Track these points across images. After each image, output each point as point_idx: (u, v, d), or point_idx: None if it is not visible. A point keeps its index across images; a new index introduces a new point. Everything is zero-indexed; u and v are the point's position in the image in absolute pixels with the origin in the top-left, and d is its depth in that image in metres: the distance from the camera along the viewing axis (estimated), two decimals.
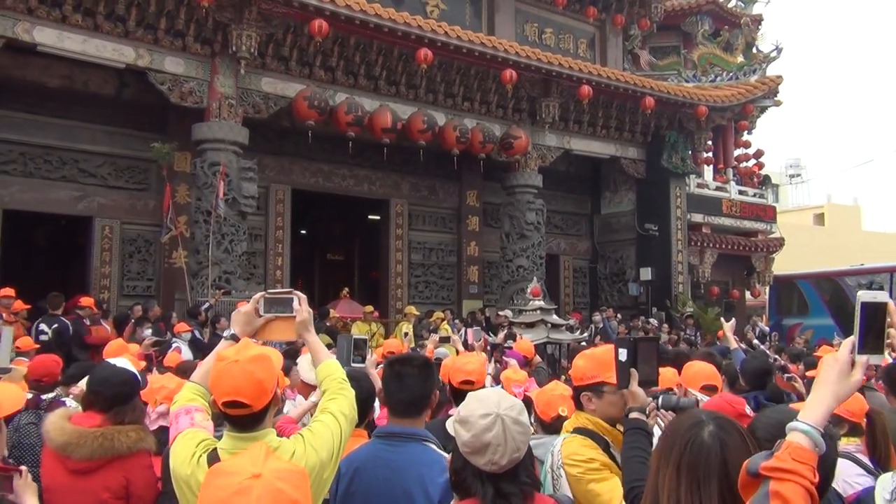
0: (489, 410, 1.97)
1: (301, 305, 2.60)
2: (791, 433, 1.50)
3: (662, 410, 2.51)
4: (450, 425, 2.16)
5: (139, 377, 3.11)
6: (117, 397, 2.92)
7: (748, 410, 3.37)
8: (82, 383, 3.63)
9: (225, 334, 2.54)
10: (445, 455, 2.53)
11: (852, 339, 1.58)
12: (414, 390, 2.71)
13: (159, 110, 12.89)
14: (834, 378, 1.57)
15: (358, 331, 12.87)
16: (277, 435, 2.27)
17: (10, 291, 9.50)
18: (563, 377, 6.63)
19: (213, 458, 2.12)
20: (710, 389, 4.10)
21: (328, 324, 11.54)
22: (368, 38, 13.11)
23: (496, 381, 6.02)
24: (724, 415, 1.71)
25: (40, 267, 14.85)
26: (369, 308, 13.92)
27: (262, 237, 14.70)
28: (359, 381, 2.95)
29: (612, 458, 2.61)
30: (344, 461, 2.65)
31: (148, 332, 9.16)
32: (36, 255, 15.11)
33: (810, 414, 1.53)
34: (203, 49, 12.05)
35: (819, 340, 15.49)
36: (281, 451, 2.17)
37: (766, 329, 18.38)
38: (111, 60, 11.42)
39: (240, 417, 2.13)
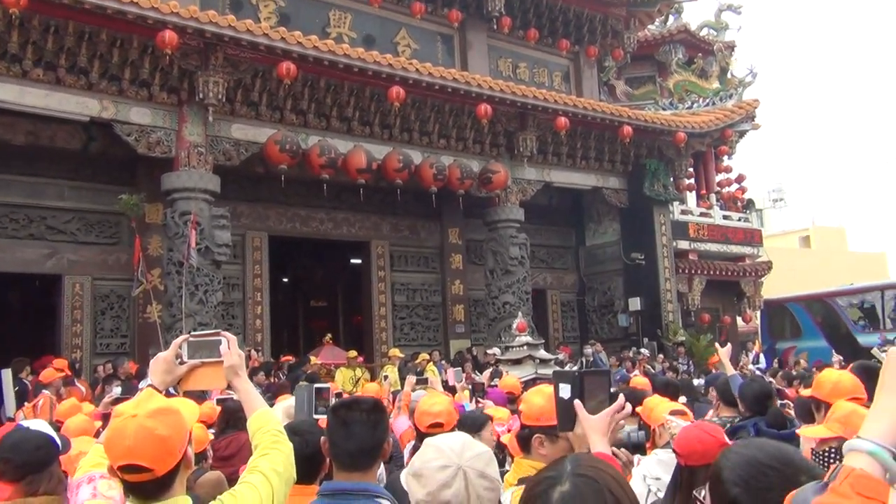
0: (448, 462, 1.64)
1: (230, 348, 2.27)
2: (850, 455, 1.08)
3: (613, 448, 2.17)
4: (403, 478, 1.85)
5: (57, 441, 2.76)
6: (30, 465, 2.56)
7: (727, 439, 3.05)
8: None
9: (141, 385, 2.21)
10: None
11: None
12: (362, 439, 2.36)
13: (127, 162, 12.64)
14: None
15: (342, 377, 12.49)
16: None
17: None
18: None
19: None
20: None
21: (308, 371, 11.13)
22: (339, 79, 12.94)
23: None
24: (602, 467, 1.29)
25: (15, 329, 14.39)
26: (353, 353, 13.53)
27: (240, 286, 14.34)
28: (302, 436, 2.61)
29: None
30: None
31: (117, 390, 8.73)
32: (11, 317, 14.65)
33: (876, 428, 1.11)
34: (169, 98, 11.82)
35: (815, 362, 15.20)
36: None
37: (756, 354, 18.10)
38: (75, 114, 11.16)
39: (140, 484, 1.78)
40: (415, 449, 4.49)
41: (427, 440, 1.87)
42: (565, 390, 2.08)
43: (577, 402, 2.01)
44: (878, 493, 1.03)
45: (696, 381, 11.20)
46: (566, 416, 2.06)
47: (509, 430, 4.63)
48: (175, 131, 11.82)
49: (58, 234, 12.49)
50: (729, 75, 21.79)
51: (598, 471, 1.27)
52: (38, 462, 2.60)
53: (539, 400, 2.43)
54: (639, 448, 2.76)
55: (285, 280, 19.27)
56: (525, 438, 2.47)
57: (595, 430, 1.95)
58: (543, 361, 11.19)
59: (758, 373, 12.23)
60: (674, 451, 2.79)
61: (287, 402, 4.99)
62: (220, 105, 11.89)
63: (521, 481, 2.36)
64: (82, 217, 12.71)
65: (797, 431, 3.80)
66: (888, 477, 1.05)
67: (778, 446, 1.55)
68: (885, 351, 11.70)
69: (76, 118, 11.32)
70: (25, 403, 8.48)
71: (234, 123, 12.48)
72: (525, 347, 11.27)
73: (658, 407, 4.51)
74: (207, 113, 11.84)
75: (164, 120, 11.78)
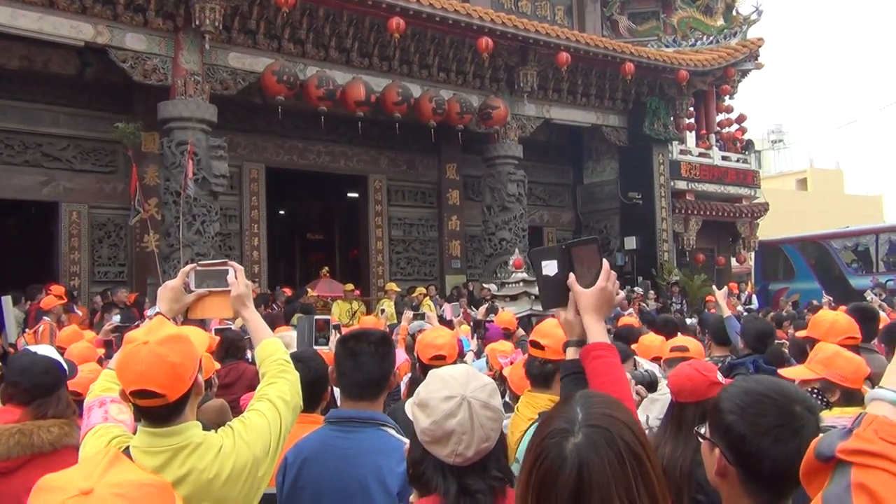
0: (453, 392, 1.65)
1: (237, 278, 2.28)
2: (873, 404, 1.10)
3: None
4: (408, 408, 1.87)
5: (64, 366, 2.80)
6: (38, 388, 2.60)
7: (720, 377, 3.08)
8: None
9: (149, 313, 2.22)
10: (406, 441, 2.24)
11: None
12: (370, 370, 2.40)
13: (123, 90, 12.47)
14: None
15: (339, 310, 12.58)
16: None
17: None
18: None
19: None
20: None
21: (304, 302, 11.22)
22: (338, 8, 12.68)
23: (479, 356, 5.80)
24: (615, 414, 1.23)
25: (13, 255, 14.38)
26: (349, 286, 13.60)
27: (237, 217, 14.32)
28: (305, 363, 2.65)
29: None
30: (292, 451, 2.36)
31: (116, 318, 8.80)
32: (8, 243, 14.62)
33: None
34: (165, 24, 11.57)
35: (806, 304, 15.33)
36: (206, 448, 1.86)
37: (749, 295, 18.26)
38: (69, 38, 10.93)
39: (152, 409, 1.81)
40: (411, 381, 4.56)
41: (432, 371, 1.89)
42: (550, 267, 1.83)
43: (571, 276, 1.78)
44: None
45: (689, 321, 11.33)
46: (553, 293, 1.82)
47: (511, 363, 4.69)
48: (171, 59, 11.61)
49: (54, 162, 12.39)
50: (734, 12, 21.39)
51: (611, 419, 1.23)
52: (46, 386, 2.63)
53: None
54: (652, 386, 2.78)
55: (282, 213, 19.24)
56: (549, 374, 2.46)
57: (591, 309, 1.78)
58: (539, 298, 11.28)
59: (745, 314, 12.35)
60: (668, 386, 2.85)
61: (285, 334, 5.06)
62: (217, 32, 11.66)
63: (542, 415, 2.39)
64: (78, 144, 12.59)
65: (779, 371, 3.85)
66: None
67: (775, 380, 1.60)
68: (877, 293, 11.83)
69: (70, 43, 11.09)
70: (26, 330, 8.56)
71: (230, 52, 12.26)
72: (521, 284, 11.34)
73: (653, 345, 4.57)
74: (204, 40, 11.61)
75: (160, 47, 11.56)
